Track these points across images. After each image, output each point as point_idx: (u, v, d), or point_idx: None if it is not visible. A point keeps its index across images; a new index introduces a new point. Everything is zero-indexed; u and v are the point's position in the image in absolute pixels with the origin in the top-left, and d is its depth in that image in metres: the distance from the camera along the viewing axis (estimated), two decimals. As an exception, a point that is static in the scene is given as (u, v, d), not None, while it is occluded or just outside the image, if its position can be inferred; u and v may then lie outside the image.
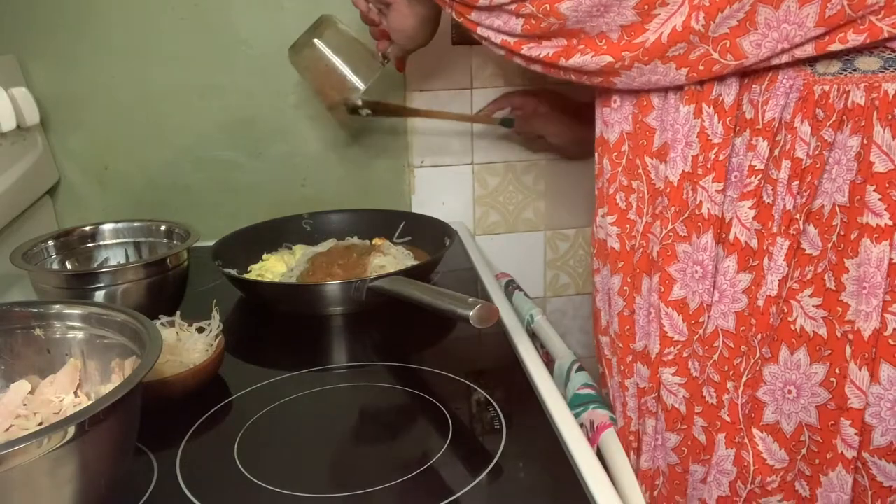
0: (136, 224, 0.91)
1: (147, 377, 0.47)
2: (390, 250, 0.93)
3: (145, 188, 1.09)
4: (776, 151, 0.56)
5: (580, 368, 0.72)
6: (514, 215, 1.20)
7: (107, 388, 0.55)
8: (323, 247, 0.97)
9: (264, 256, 0.97)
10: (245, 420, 0.62)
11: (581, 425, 0.65)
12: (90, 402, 0.48)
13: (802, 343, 0.56)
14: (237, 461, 0.57)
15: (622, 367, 0.69)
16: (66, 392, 0.56)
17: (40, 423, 0.53)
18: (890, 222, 0.51)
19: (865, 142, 0.51)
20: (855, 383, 0.53)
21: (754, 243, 0.58)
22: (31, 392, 0.56)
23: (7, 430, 0.52)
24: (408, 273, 0.80)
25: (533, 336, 0.82)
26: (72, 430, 0.41)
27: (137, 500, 0.53)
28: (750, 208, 0.57)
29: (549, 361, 0.77)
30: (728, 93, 0.56)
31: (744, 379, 0.59)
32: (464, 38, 1.07)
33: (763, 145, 0.56)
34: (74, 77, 1.02)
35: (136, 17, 1.01)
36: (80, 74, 1.02)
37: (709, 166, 0.58)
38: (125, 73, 1.03)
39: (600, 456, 0.60)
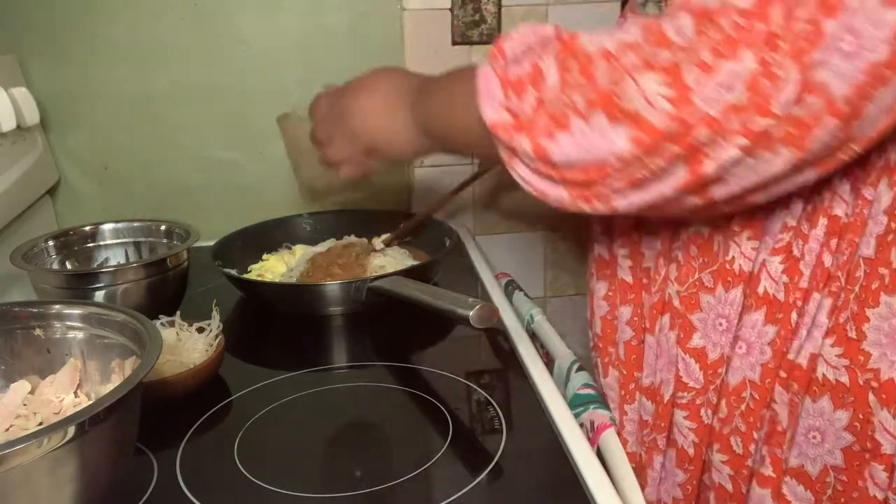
0: (136, 224, 0.91)
1: (147, 377, 0.47)
2: (388, 252, 0.94)
3: (145, 188, 1.09)
4: (809, 208, 0.55)
5: (580, 368, 0.72)
6: (514, 215, 1.20)
7: (107, 388, 0.55)
8: (322, 247, 0.97)
9: (264, 256, 0.97)
10: (245, 420, 0.62)
11: (581, 425, 0.64)
12: (90, 402, 0.48)
13: (826, 392, 0.55)
14: (237, 461, 0.57)
15: (623, 393, 0.70)
16: (66, 392, 0.56)
17: (40, 423, 0.53)
18: None
19: None
20: (887, 428, 0.53)
21: (781, 296, 0.57)
22: (31, 392, 0.56)
23: (7, 430, 0.52)
24: (408, 273, 0.80)
25: (533, 336, 0.82)
26: (72, 430, 0.41)
27: (137, 500, 0.53)
28: (780, 263, 0.57)
29: (549, 361, 0.77)
30: None
31: (765, 429, 0.59)
32: (464, 38, 1.07)
33: (798, 204, 0.55)
34: (74, 77, 1.02)
35: (136, 17, 1.01)
36: (80, 74, 1.02)
37: (744, 223, 0.58)
38: (125, 73, 1.03)
39: (600, 456, 0.60)
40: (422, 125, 0.63)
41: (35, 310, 0.58)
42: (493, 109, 0.50)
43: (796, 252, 0.57)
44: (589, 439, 0.63)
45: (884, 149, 0.51)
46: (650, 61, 0.44)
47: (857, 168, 0.53)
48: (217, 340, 0.69)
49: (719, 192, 0.48)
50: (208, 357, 0.66)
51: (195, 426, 0.62)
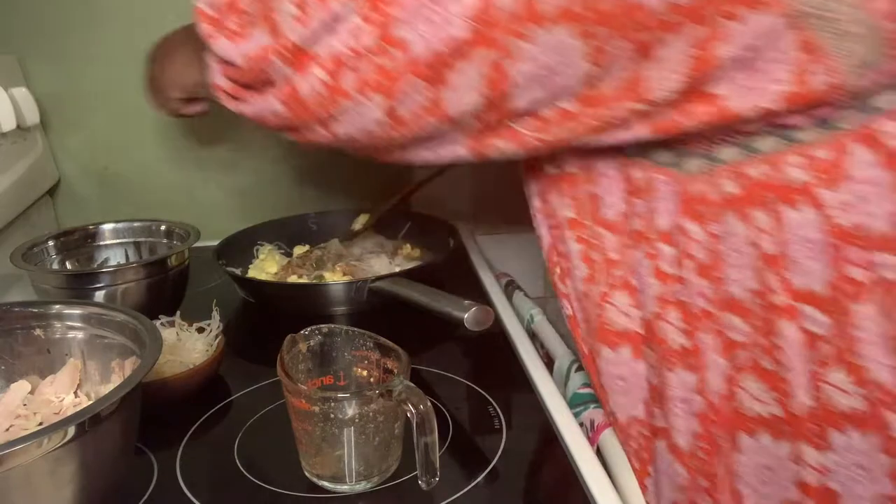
0: (136, 224, 0.91)
1: (147, 377, 0.47)
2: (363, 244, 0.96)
3: (145, 188, 1.09)
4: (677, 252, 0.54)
5: (580, 368, 0.72)
6: (514, 215, 1.19)
7: (107, 388, 0.55)
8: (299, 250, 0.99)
9: (260, 255, 0.97)
10: (245, 420, 0.62)
11: (581, 425, 0.64)
12: (90, 402, 0.48)
13: (761, 425, 0.52)
14: (237, 461, 0.57)
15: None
16: (66, 392, 0.56)
17: (40, 423, 0.53)
18: (789, 300, 0.48)
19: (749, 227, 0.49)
20: (805, 460, 0.51)
21: (689, 344, 0.55)
22: (31, 392, 0.56)
23: (7, 430, 0.52)
24: (409, 274, 0.81)
25: (533, 336, 0.82)
26: (72, 430, 0.41)
27: (137, 500, 0.53)
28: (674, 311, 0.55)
29: (549, 361, 0.77)
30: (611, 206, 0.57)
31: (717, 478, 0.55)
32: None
33: (666, 249, 0.54)
34: (74, 77, 1.02)
35: (136, 17, 1.01)
36: (80, 74, 1.02)
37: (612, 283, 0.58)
38: (125, 72, 1.03)
39: (601, 456, 0.60)
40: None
41: (35, 310, 0.58)
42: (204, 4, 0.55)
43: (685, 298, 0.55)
44: (589, 439, 0.63)
45: (717, 183, 0.50)
46: None
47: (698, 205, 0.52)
48: (217, 340, 0.69)
49: (338, 129, 0.52)
50: (208, 357, 0.66)
51: (195, 426, 0.62)
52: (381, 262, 0.93)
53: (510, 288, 0.96)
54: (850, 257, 0.46)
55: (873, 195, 0.45)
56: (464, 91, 0.47)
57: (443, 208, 1.16)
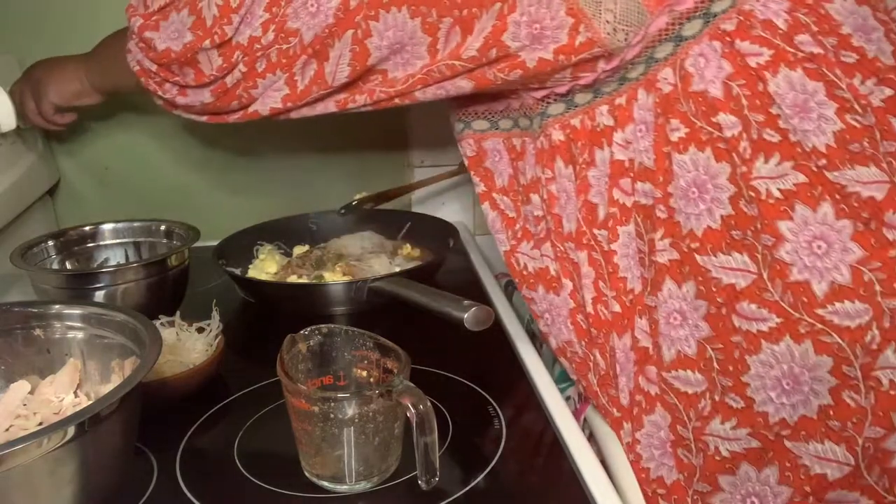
0: (136, 224, 0.91)
1: (147, 377, 0.47)
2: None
3: (145, 188, 1.09)
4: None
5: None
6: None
7: (107, 388, 0.55)
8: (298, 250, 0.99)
9: (260, 255, 0.97)
10: (245, 420, 0.62)
11: (568, 398, 0.65)
12: (90, 402, 0.48)
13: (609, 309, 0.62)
14: (237, 461, 0.57)
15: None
16: (66, 392, 0.56)
17: (40, 423, 0.53)
18: (585, 228, 0.62)
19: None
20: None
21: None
22: (31, 392, 0.56)
23: (7, 430, 0.52)
24: (409, 274, 0.81)
25: (533, 336, 0.82)
26: (72, 430, 0.41)
27: (137, 500, 0.53)
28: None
29: (549, 361, 0.77)
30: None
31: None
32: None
33: (534, 197, 0.66)
34: (74, 77, 1.02)
35: (136, 17, 1.01)
36: (80, 74, 1.02)
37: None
38: (125, 73, 1.03)
39: (600, 456, 0.60)
40: (95, 70, 0.84)
41: (35, 310, 0.58)
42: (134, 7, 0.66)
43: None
44: (575, 412, 0.64)
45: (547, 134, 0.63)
46: None
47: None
48: (217, 340, 0.69)
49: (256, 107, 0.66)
50: (208, 357, 0.66)
51: (195, 426, 0.62)
52: (381, 262, 0.93)
53: (510, 288, 0.96)
54: (622, 186, 0.58)
55: (642, 133, 0.57)
56: (339, 64, 0.60)
57: (443, 208, 1.16)
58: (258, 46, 0.60)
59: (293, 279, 0.88)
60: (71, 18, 1.00)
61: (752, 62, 0.53)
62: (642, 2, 0.53)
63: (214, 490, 0.54)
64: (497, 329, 0.76)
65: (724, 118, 0.53)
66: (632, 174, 0.58)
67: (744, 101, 0.53)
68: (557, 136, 0.61)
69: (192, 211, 1.07)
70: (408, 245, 0.99)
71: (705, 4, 0.53)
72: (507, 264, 0.70)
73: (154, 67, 0.66)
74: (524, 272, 0.69)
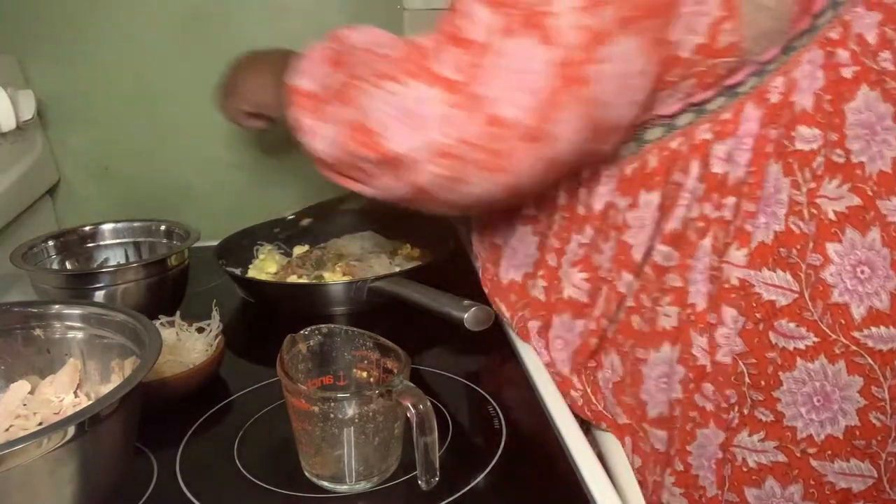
0: (136, 224, 0.91)
1: (147, 377, 0.47)
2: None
3: (145, 188, 1.09)
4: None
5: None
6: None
7: (107, 388, 0.55)
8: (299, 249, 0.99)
9: (260, 255, 0.97)
10: (245, 420, 0.62)
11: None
12: (90, 402, 0.48)
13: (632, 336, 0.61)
14: (237, 461, 0.57)
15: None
16: (66, 392, 0.56)
17: (40, 423, 0.53)
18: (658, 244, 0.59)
19: None
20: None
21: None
22: (31, 392, 0.56)
23: (7, 430, 0.52)
24: (409, 274, 0.80)
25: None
26: (72, 430, 0.41)
27: (137, 500, 0.53)
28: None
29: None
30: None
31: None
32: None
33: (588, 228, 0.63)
34: (74, 76, 1.02)
35: (136, 17, 1.01)
36: (80, 74, 1.02)
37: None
38: (125, 72, 1.03)
39: (601, 456, 0.60)
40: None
41: (35, 310, 0.58)
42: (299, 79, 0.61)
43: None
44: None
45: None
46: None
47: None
48: (217, 340, 0.69)
49: (459, 201, 0.57)
50: (208, 357, 0.66)
51: (195, 426, 0.62)
52: (382, 262, 0.93)
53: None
54: (713, 199, 0.55)
55: (747, 146, 0.53)
56: (569, 133, 0.51)
57: (443, 208, 1.15)
58: (455, 146, 0.52)
59: (293, 279, 0.88)
60: (71, 18, 1.00)
61: (844, 74, 0.51)
62: (790, 14, 0.50)
63: (214, 490, 0.54)
64: (497, 329, 0.76)
65: (805, 131, 0.52)
66: (724, 188, 0.55)
67: (826, 117, 0.51)
68: (653, 162, 0.58)
69: (192, 211, 1.07)
70: (408, 245, 0.99)
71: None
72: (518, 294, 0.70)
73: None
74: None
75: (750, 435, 0.56)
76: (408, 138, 0.52)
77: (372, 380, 0.56)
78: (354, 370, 0.57)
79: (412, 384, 0.50)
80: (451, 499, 0.51)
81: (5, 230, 0.87)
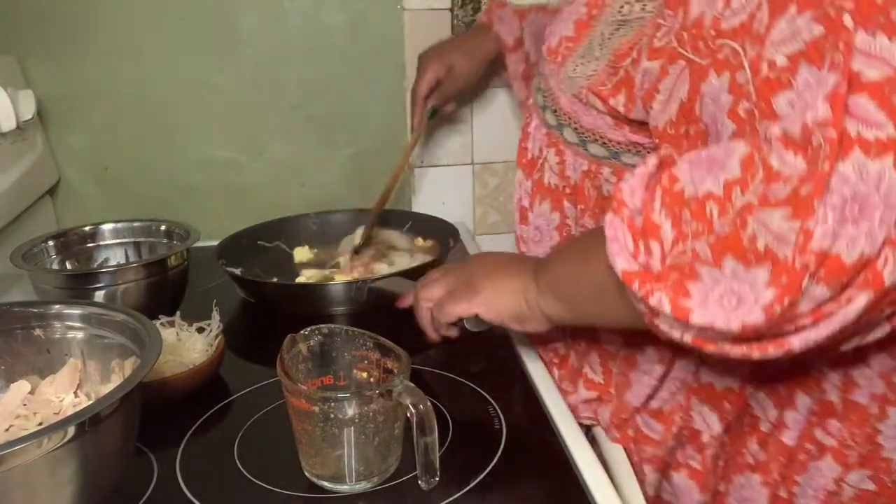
0: (136, 224, 0.91)
1: (147, 377, 0.47)
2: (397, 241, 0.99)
3: (145, 188, 1.09)
4: None
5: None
6: (514, 215, 1.19)
7: (107, 388, 0.55)
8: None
9: (296, 251, 0.99)
10: (245, 420, 0.62)
11: None
12: (90, 402, 0.48)
13: None
14: (237, 461, 0.57)
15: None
16: (66, 392, 0.56)
17: (40, 423, 0.53)
18: None
19: None
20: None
21: None
22: (31, 392, 0.56)
23: (7, 430, 0.52)
24: (409, 274, 0.80)
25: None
26: (72, 430, 0.41)
27: (137, 500, 0.53)
28: None
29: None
30: None
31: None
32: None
33: None
34: (74, 77, 1.02)
35: (136, 17, 1.01)
36: (80, 74, 1.02)
37: None
38: (125, 72, 1.03)
39: (601, 456, 0.60)
40: (549, 293, 0.59)
41: (35, 310, 0.58)
42: (624, 259, 0.44)
43: None
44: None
45: None
46: (767, 197, 0.40)
47: None
48: (217, 340, 0.69)
49: None
50: (208, 357, 0.66)
51: (195, 426, 0.62)
52: (402, 258, 0.95)
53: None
54: None
55: None
56: None
57: (443, 208, 1.16)
58: None
59: (354, 276, 0.89)
60: (71, 18, 1.00)
61: None
62: None
63: (214, 490, 0.54)
64: (497, 329, 0.76)
65: None
66: None
67: None
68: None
69: (192, 211, 1.07)
70: (419, 238, 1.01)
71: None
72: None
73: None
74: None
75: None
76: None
77: (372, 380, 0.56)
78: (354, 370, 0.57)
79: (412, 384, 0.50)
80: (451, 499, 0.51)
81: (5, 230, 0.87)
